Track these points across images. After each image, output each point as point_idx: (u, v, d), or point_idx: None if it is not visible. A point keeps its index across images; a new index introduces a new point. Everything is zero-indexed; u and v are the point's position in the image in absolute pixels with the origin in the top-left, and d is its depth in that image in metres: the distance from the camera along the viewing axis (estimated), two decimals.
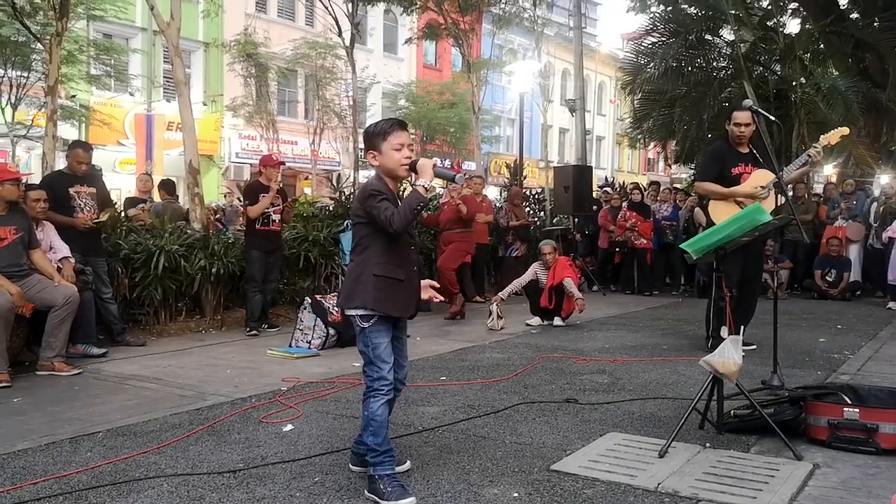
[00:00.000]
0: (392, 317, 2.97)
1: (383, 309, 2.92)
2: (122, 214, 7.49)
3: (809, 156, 5.53)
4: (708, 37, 14.24)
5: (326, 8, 11.42)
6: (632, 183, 13.65)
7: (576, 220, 12.26)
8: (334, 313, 6.38)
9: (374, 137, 2.97)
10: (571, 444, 3.54)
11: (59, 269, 5.60)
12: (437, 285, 3.34)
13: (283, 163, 7.65)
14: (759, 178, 5.70)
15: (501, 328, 7.37)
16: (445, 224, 8.51)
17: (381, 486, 2.79)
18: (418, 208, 2.89)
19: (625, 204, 11.55)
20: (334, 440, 3.62)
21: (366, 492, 2.87)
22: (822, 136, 5.55)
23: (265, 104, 20.62)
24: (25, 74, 13.55)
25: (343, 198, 9.42)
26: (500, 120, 30.67)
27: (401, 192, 3.14)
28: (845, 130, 5.65)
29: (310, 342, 6.27)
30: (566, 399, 4.44)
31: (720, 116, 13.37)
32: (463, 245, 8.47)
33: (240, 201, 9.04)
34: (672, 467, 3.18)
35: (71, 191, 6.15)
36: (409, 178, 3.02)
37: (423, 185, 2.90)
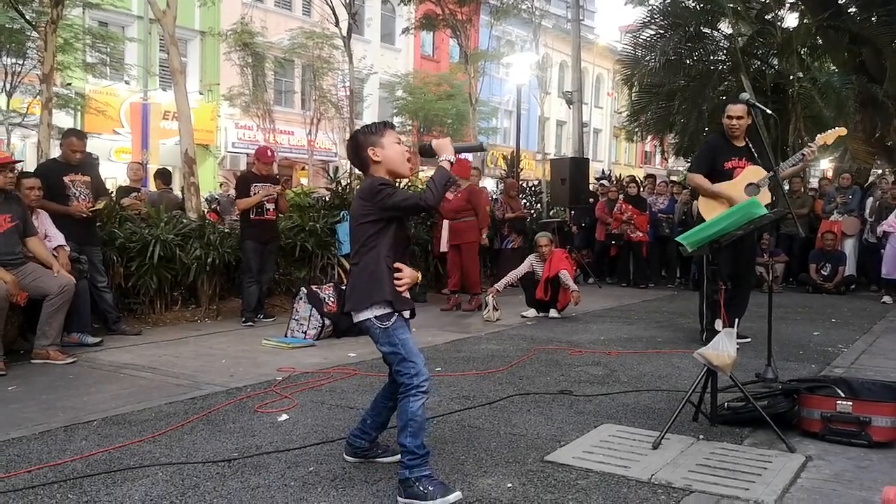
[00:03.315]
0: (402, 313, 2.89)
1: (400, 305, 2.85)
2: (115, 204, 7.47)
3: (804, 154, 5.55)
4: (706, 30, 14.21)
5: None
6: (628, 176, 13.66)
7: (572, 212, 12.27)
8: (330, 303, 6.39)
9: (372, 136, 2.90)
10: (566, 436, 3.55)
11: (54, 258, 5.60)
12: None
13: (274, 160, 7.59)
14: (749, 175, 5.67)
15: (497, 320, 7.38)
16: (449, 214, 8.38)
17: (422, 488, 2.67)
18: (447, 183, 2.84)
19: (621, 196, 11.56)
20: (329, 430, 3.63)
21: (400, 499, 2.71)
22: (818, 135, 5.55)
23: (262, 94, 20.52)
24: (21, 62, 13.49)
25: (339, 188, 9.40)
26: (498, 111, 30.59)
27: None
28: (843, 131, 5.65)
29: (305, 332, 6.27)
30: (561, 390, 4.45)
31: (718, 110, 13.36)
32: (473, 234, 8.41)
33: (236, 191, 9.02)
34: (665, 459, 3.20)
35: (65, 179, 6.13)
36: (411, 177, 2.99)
37: (448, 160, 2.87)
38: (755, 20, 14.27)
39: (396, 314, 2.84)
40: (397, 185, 2.99)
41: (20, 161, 6.48)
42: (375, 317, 2.82)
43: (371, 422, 3.12)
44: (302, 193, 9.48)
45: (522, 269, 7.90)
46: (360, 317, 2.86)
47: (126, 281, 6.87)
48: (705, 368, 3.56)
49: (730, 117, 5.77)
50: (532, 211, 13.17)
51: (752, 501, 2.77)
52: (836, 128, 5.73)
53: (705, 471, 3.06)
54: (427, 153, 2.95)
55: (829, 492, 2.89)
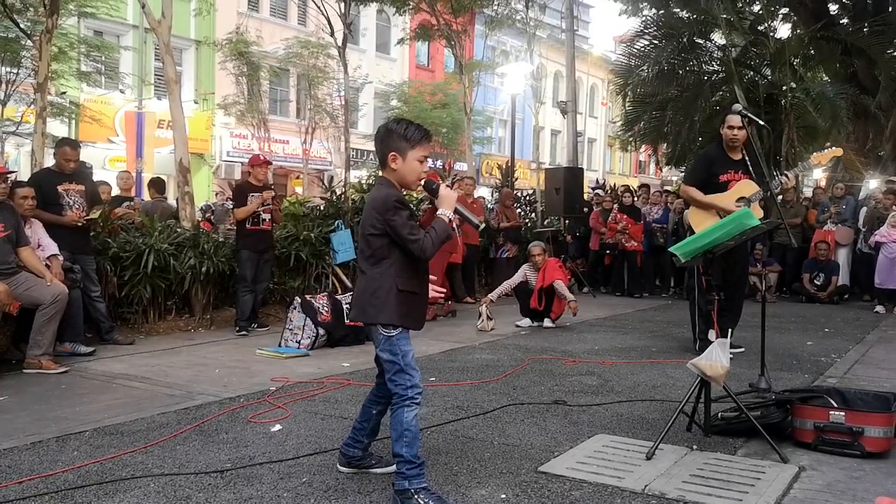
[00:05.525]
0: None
1: (408, 324, 2.88)
2: (108, 214, 7.44)
3: (781, 183, 5.60)
4: (699, 40, 14.29)
5: (319, 7, 11.39)
6: (623, 185, 13.70)
7: (567, 221, 12.29)
8: (324, 313, 6.38)
9: (402, 141, 2.84)
10: (559, 446, 3.55)
11: (47, 267, 5.58)
12: (438, 287, 3.29)
13: (269, 162, 7.65)
14: (741, 189, 5.67)
15: (491, 329, 7.38)
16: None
17: (421, 501, 2.68)
18: (445, 240, 2.88)
19: (616, 206, 11.59)
20: (323, 440, 3.62)
21: None
22: (814, 154, 5.59)
23: (257, 103, 20.53)
24: (15, 71, 13.46)
25: (334, 197, 9.40)
26: (492, 121, 30.67)
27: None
28: (839, 152, 5.68)
29: (299, 342, 6.26)
30: (555, 401, 4.45)
31: (711, 120, 13.44)
32: (447, 245, 8.43)
33: (230, 201, 9.04)
34: (659, 469, 3.20)
35: (59, 188, 6.12)
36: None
37: (446, 215, 2.87)
38: (748, 31, 14.37)
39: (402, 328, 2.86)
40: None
41: (14, 171, 6.46)
42: (381, 324, 2.85)
43: (361, 429, 3.12)
44: (297, 203, 9.48)
45: (516, 278, 7.90)
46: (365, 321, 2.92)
47: (119, 290, 6.85)
48: (699, 379, 3.56)
49: (731, 127, 5.67)
50: (527, 220, 13.18)
51: None
52: (832, 147, 5.76)
53: (699, 481, 3.06)
54: (430, 191, 2.95)
55: (822, 502, 2.90)
